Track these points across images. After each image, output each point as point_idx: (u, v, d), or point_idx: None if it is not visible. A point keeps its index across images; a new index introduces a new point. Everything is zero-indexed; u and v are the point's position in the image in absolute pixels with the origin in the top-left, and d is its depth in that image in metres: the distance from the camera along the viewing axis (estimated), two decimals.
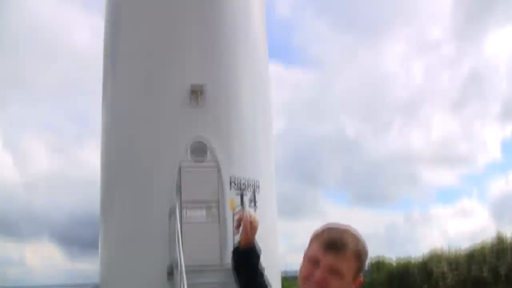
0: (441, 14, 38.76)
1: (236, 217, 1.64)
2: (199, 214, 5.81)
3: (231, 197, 5.81)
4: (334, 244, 1.36)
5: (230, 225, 5.63)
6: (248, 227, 1.62)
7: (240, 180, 5.97)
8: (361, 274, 1.38)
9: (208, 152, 5.92)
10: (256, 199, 6.10)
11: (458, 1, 37.44)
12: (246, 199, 5.98)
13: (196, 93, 5.85)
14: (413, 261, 15.29)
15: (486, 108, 35.27)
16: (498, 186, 33.52)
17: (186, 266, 4.90)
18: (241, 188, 5.96)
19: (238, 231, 1.62)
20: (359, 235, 1.40)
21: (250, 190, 6.07)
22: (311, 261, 1.40)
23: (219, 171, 5.89)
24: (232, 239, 5.57)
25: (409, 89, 37.93)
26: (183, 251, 5.11)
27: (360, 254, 1.39)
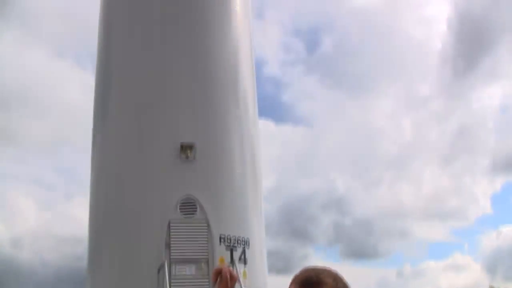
0: (428, 71, 39.64)
1: (212, 272, 1.59)
2: (189, 271, 5.76)
3: (221, 254, 5.78)
4: (309, 281, 1.34)
5: None
6: (228, 278, 1.60)
7: (230, 237, 5.95)
8: None
9: (197, 208, 5.93)
10: (246, 256, 6.07)
11: (445, 58, 38.41)
12: (236, 256, 5.94)
13: (186, 150, 5.92)
14: None
15: (475, 162, 35.72)
16: (490, 240, 33.66)
17: None
18: (231, 245, 5.93)
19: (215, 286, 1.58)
20: (339, 275, 1.39)
21: (240, 247, 6.04)
22: None
23: (208, 227, 5.88)
24: None
25: (399, 144, 38.29)
26: None
27: None
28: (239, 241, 6.00)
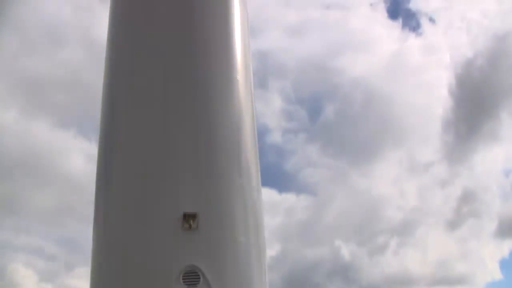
0: (430, 136, 39.92)
1: None
2: None
3: None
4: None
5: None
6: None
7: None
8: None
9: (201, 279, 5.83)
10: None
11: (446, 123, 38.75)
12: None
13: (189, 219, 5.88)
14: None
15: (481, 226, 35.38)
16: None
17: None
18: None
19: None
20: None
21: None
22: None
23: None
24: None
25: (403, 211, 38.02)
26: None
27: None
28: None
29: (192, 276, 5.85)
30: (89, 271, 7.04)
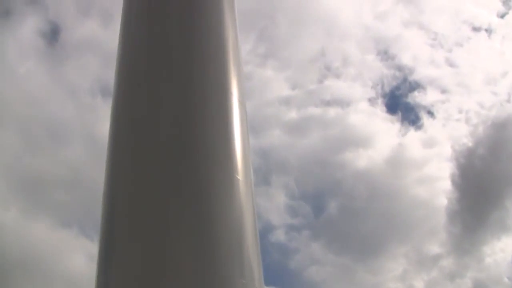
0: (436, 228, 39.41)
1: None
2: None
3: None
4: None
5: None
6: None
7: None
8: None
9: None
10: None
11: (452, 214, 38.36)
12: None
13: None
14: None
15: None
16: None
17: None
18: None
19: None
20: None
21: None
22: None
23: None
24: None
25: None
26: None
27: None
28: None
29: None
30: None
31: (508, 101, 43.63)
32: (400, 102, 49.95)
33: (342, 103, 46.69)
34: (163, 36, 5.30)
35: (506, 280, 36.83)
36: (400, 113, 50.71)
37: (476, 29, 48.88)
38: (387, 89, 46.35)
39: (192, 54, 5.16)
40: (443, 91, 46.95)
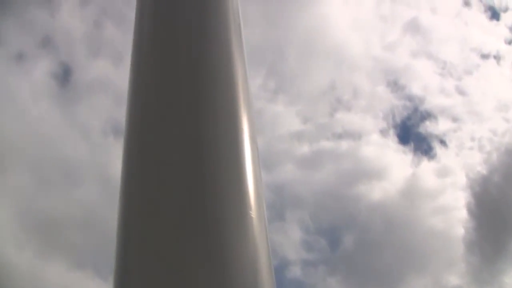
0: (454, 259, 38.70)
1: None
2: None
3: None
4: None
5: None
6: None
7: None
8: None
9: None
10: None
11: (470, 244, 37.71)
12: None
13: None
14: None
15: None
16: None
17: None
18: None
19: None
20: None
21: None
22: None
23: None
24: None
25: None
26: None
27: None
28: None
29: None
30: None
31: None
32: (412, 133, 49.89)
33: (354, 135, 46.72)
34: (172, 72, 5.27)
35: None
36: (412, 144, 50.69)
37: (484, 56, 49.09)
38: (398, 119, 46.37)
39: (201, 91, 5.11)
40: (455, 119, 46.88)
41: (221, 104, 5.17)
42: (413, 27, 51.55)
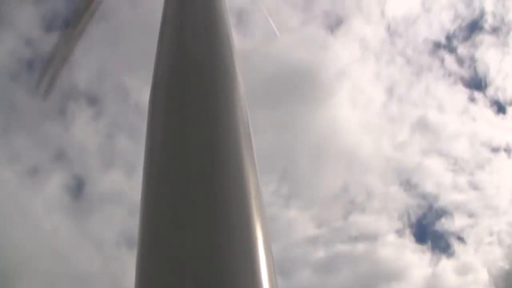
0: None
1: None
2: None
3: None
4: None
5: None
6: None
7: None
8: None
9: None
10: None
11: None
12: None
13: None
14: None
15: None
16: None
17: None
18: None
19: None
20: None
21: None
22: None
23: None
24: None
25: None
26: None
27: None
28: None
29: None
30: None
31: None
32: (429, 231, 49.02)
33: (370, 237, 45.98)
34: (184, 187, 5.33)
35: None
36: (429, 242, 49.56)
37: (495, 150, 49.25)
38: (413, 219, 45.78)
39: (214, 201, 5.14)
40: (471, 215, 46.23)
41: (234, 214, 5.08)
42: (422, 125, 52.17)
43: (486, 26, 51.03)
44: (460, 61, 52.21)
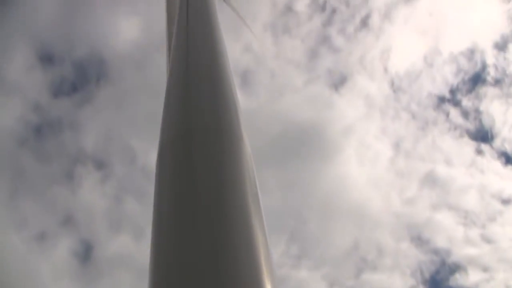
0: None
1: None
2: None
3: None
4: None
5: None
6: None
7: None
8: None
9: None
10: None
11: None
12: None
13: None
14: None
15: None
16: None
17: None
18: None
19: None
20: None
21: None
22: None
23: None
24: None
25: None
26: None
27: None
28: None
29: None
30: None
31: None
32: (443, 287, 47.80)
33: None
34: (192, 255, 5.27)
35: None
36: None
37: (505, 202, 48.63)
38: (426, 275, 44.82)
39: (222, 260, 5.05)
40: (485, 269, 45.23)
41: (242, 276, 4.99)
42: (430, 180, 51.81)
43: (489, 78, 51.48)
44: (465, 114, 52.35)
